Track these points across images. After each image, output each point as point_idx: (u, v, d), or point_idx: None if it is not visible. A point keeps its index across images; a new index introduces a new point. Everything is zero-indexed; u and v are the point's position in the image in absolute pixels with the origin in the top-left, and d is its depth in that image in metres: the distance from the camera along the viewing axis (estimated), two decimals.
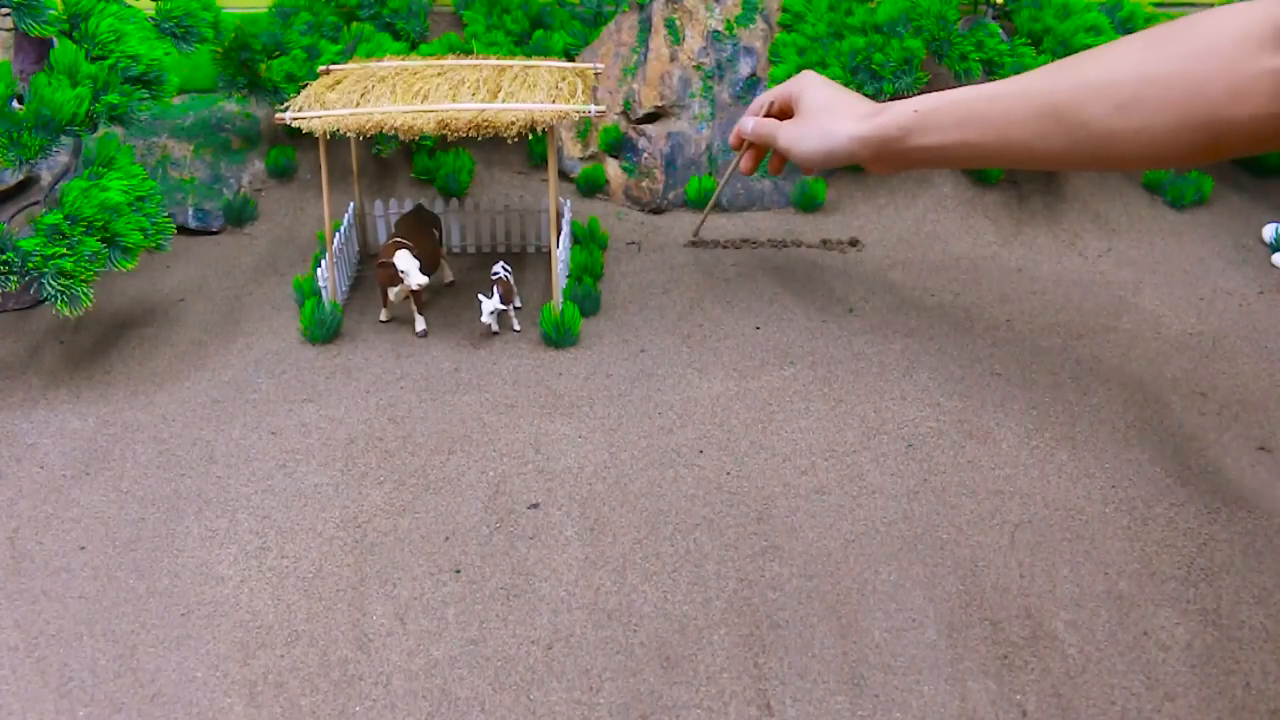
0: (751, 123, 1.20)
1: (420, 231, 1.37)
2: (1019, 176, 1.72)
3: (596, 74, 1.42)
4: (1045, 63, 1.60)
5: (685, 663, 0.83)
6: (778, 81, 1.63)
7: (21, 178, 1.62)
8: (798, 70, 1.61)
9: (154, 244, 1.23)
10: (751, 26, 1.71)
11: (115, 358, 1.29)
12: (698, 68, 1.69)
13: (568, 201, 1.58)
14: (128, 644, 0.86)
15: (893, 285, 1.48)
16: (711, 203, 1.36)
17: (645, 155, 1.70)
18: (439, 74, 1.32)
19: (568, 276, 1.42)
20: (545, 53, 1.76)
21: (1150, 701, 0.80)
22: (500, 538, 0.97)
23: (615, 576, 0.92)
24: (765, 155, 1.26)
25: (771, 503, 1.01)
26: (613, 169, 1.73)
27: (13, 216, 1.40)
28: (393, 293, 1.32)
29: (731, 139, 1.26)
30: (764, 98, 1.21)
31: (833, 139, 1.06)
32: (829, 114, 1.07)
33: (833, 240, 1.62)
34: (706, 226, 1.62)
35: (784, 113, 1.18)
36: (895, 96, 1.62)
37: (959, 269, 1.53)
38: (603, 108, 1.33)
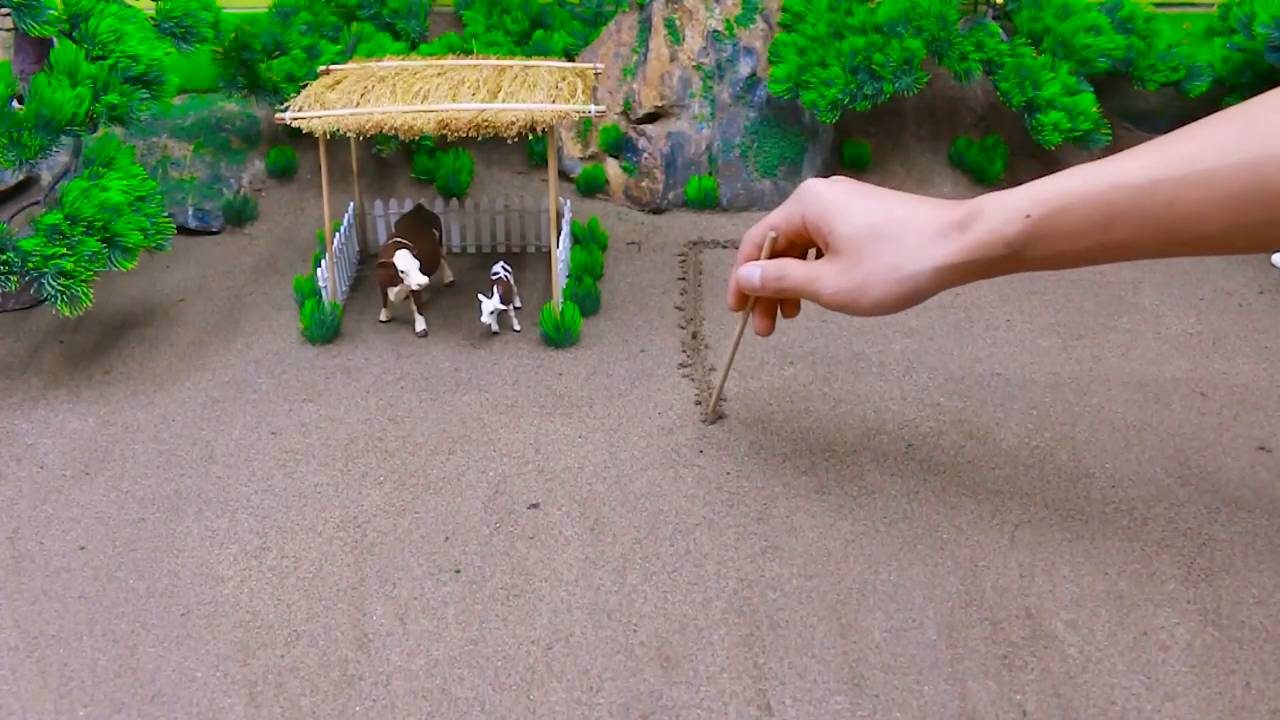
0: (758, 272, 0.90)
1: (420, 231, 1.37)
2: (1019, 176, 1.72)
3: (596, 74, 1.42)
4: (1045, 63, 1.61)
5: (685, 663, 0.83)
6: (778, 81, 1.62)
7: (21, 178, 1.62)
8: (797, 71, 1.61)
9: (154, 244, 1.23)
10: (751, 26, 1.71)
11: (115, 358, 1.29)
12: (698, 68, 1.69)
13: (568, 201, 1.58)
14: (128, 644, 0.86)
15: None
16: (725, 373, 1.09)
17: (645, 155, 1.70)
18: (439, 74, 1.32)
19: (568, 276, 1.42)
20: (545, 53, 1.77)
21: (1150, 701, 0.80)
22: (500, 538, 0.97)
23: (615, 576, 0.92)
24: (777, 303, 0.98)
25: (771, 503, 1.01)
26: (613, 169, 1.73)
27: (13, 216, 1.40)
28: (393, 293, 1.32)
29: (731, 299, 0.96)
30: (758, 232, 0.92)
31: (912, 278, 0.79)
32: (889, 243, 0.80)
33: None
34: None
35: (796, 244, 0.91)
36: (895, 96, 1.62)
37: None
38: (603, 108, 1.34)
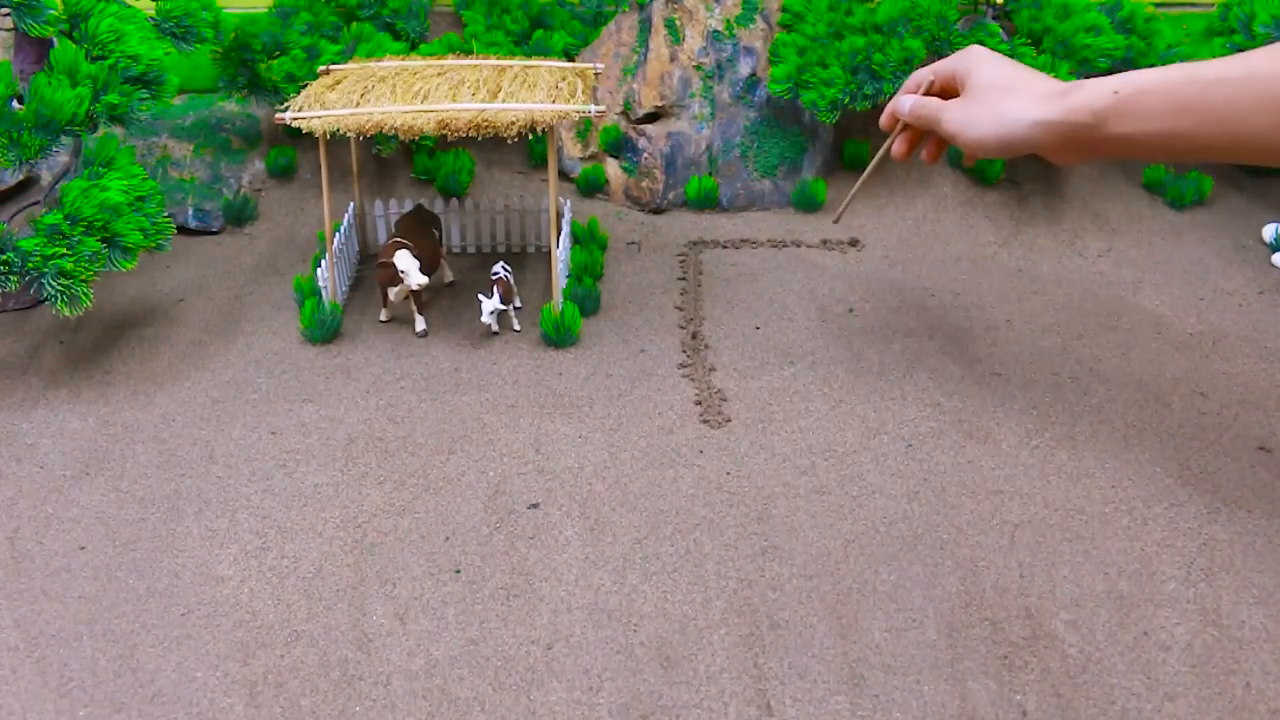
0: (909, 101, 1.04)
1: (420, 231, 1.37)
2: (1019, 176, 1.72)
3: (596, 74, 1.42)
4: (1045, 63, 1.61)
5: (685, 663, 0.83)
6: (778, 81, 1.62)
7: (21, 178, 1.62)
8: (797, 71, 1.61)
9: (154, 244, 1.23)
10: (751, 26, 1.71)
11: (115, 358, 1.29)
12: (698, 68, 1.69)
13: (568, 201, 1.58)
14: (128, 644, 0.86)
15: (893, 285, 1.48)
16: (860, 183, 1.15)
17: (645, 155, 1.70)
18: (439, 74, 1.32)
19: (568, 276, 1.42)
20: (545, 53, 1.76)
21: (1150, 701, 0.80)
22: (500, 538, 0.97)
23: (615, 576, 0.92)
24: (920, 139, 1.10)
25: (771, 503, 1.01)
26: (613, 169, 1.73)
27: (13, 216, 1.40)
28: (393, 293, 1.32)
29: (883, 119, 1.09)
30: (922, 73, 1.06)
31: (1011, 123, 0.91)
32: (1006, 93, 0.93)
33: (833, 240, 1.62)
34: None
35: (946, 91, 1.04)
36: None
37: (959, 269, 1.53)
38: (603, 108, 1.33)
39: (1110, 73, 1.71)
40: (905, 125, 1.08)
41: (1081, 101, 0.86)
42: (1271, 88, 0.75)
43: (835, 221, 1.21)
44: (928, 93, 1.05)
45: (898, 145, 1.09)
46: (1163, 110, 0.82)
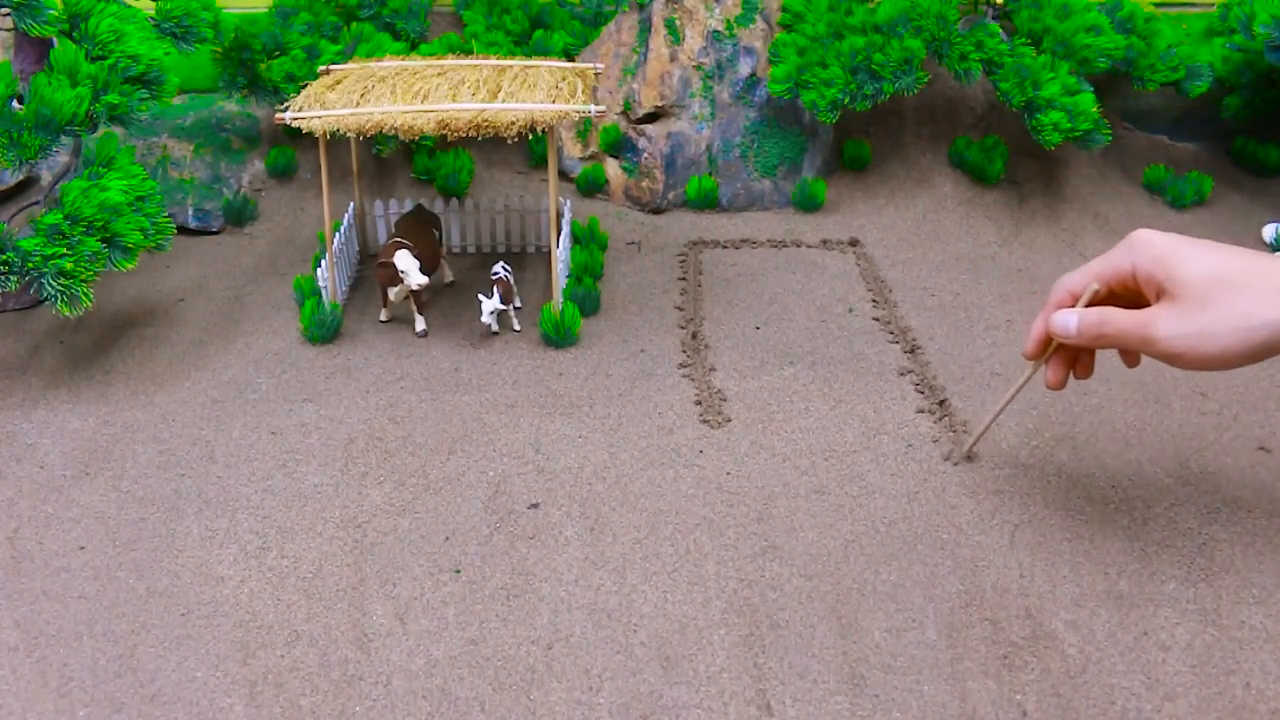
0: (1076, 319, 0.83)
1: (420, 231, 1.37)
2: (1019, 176, 1.72)
3: (596, 74, 1.42)
4: (1045, 63, 1.61)
5: (685, 663, 0.83)
6: (778, 81, 1.62)
7: (21, 178, 1.61)
8: (797, 71, 1.61)
9: (154, 244, 1.23)
10: (751, 26, 1.71)
11: (115, 358, 1.29)
12: (698, 68, 1.69)
13: (568, 201, 1.58)
14: (128, 644, 0.86)
15: (893, 285, 1.48)
16: (999, 411, 1.00)
17: (645, 155, 1.70)
18: (439, 74, 1.32)
19: (568, 276, 1.42)
20: (545, 53, 1.76)
21: (1150, 701, 0.80)
22: (500, 538, 0.97)
23: (615, 576, 0.92)
24: (1075, 357, 0.92)
25: (771, 503, 1.01)
26: (613, 169, 1.73)
27: (13, 216, 1.40)
28: (393, 293, 1.32)
29: (1030, 346, 0.90)
30: (1077, 279, 0.85)
31: (1265, 328, 0.74)
32: (1242, 291, 0.75)
33: (833, 240, 1.62)
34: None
35: (1115, 296, 0.85)
36: (895, 96, 1.62)
37: (959, 269, 1.53)
38: (603, 108, 1.33)
39: (1110, 74, 1.72)
40: (1059, 346, 0.89)
41: None
42: None
43: (966, 458, 1.04)
44: (1095, 302, 0.85)
45: (1053, 372, 0.90)
46: None
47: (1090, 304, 0.85)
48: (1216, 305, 0.75)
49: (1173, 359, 0.78)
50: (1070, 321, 0.84)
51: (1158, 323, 0.78)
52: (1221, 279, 0.76)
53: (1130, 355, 0.89)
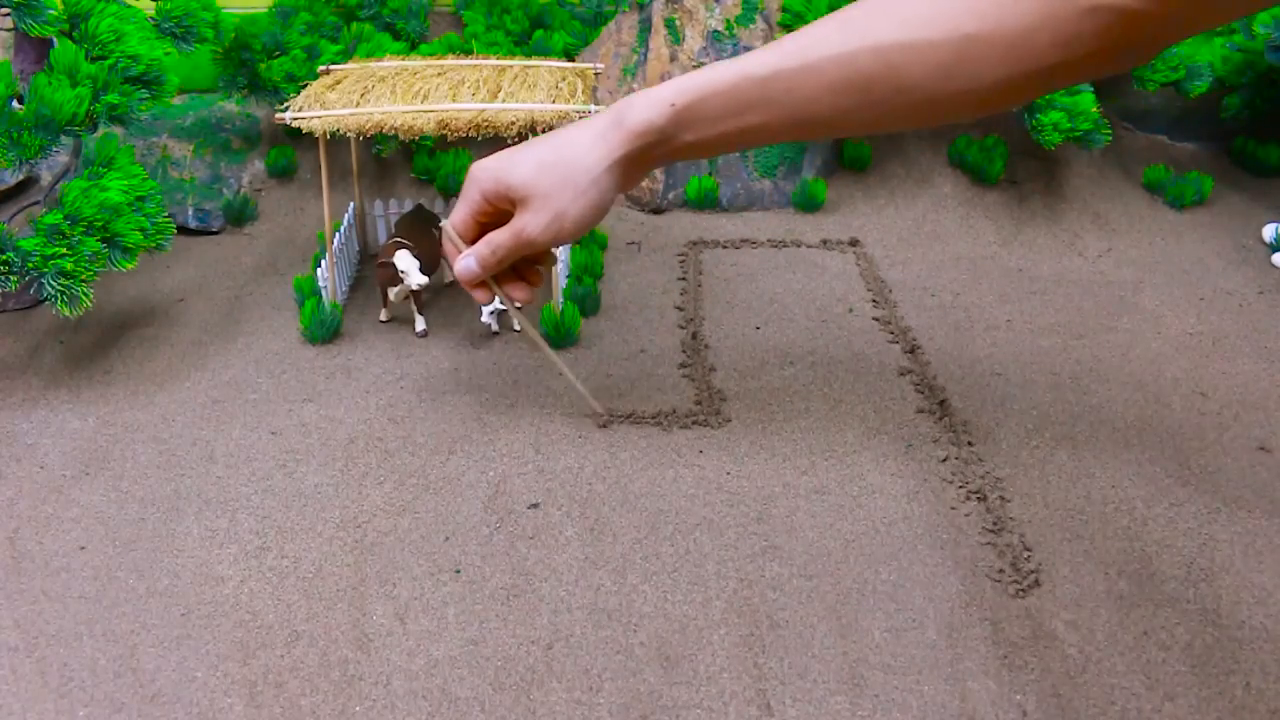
0: (473, 259, 0.93)
1: (420, 231, 1.37)
2: (1019, 176, 1.72)
3: (596, 74, 1.42)
4: None
5: (685, 663, 0.83)
6: None
7: (21, 178, 1.62)
8: None
9: (154, 244, 1.23)
10: (751, 26, 1.71)
11: (115, 358, 1.29)
12: (698, 67, 1.69)
13: None
14: (128, 644, 0.86)
15: (893, 285, 1.48)
16: (555, 365, 1.07)
17: None
18: (439, 74, 1.32)
19: (568, 276, 1.42)
20: (545, 53, 1.77)
21: (1150, 701, 0.79)
22: (500, 538, 0.97)
23: (615, 576, 0.92)
24: (520, 275, 1.00)
25: (771, 503, 1.01)
26: None
27: (13, 216, 1.40)
28: (393, 293, 1.32)
29: (477, 296, 0.98)
30: (456, 223, 0.94)
31: (592, 185, 0.84)
32: (561, 166, 0.85)
33: (833, 240, 1.62)
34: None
35: (488, 226, 0.93)
36: None
37: (959, 269, 1.53)
38: (603, 108, 1.33)
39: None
40: (498, 278, 0.97)
41: (642, 123, 0.82)
42: (826, 76, 0.75)
43: (600, 423, 1.06)
44: (477, 238, 0.94)
45: (514, 294, 0.98)
46: (726, 111, 0.80)
47: (478, 236, 0.94)
48: (552, 188, 0.85)
49: (554, 243, 0.89)
50: (470, 263, 0.93)
51: (525, 227, 0.88)
52: (544, 165, 0.86)
53: (533, 274, 0.99)
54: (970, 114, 0.75)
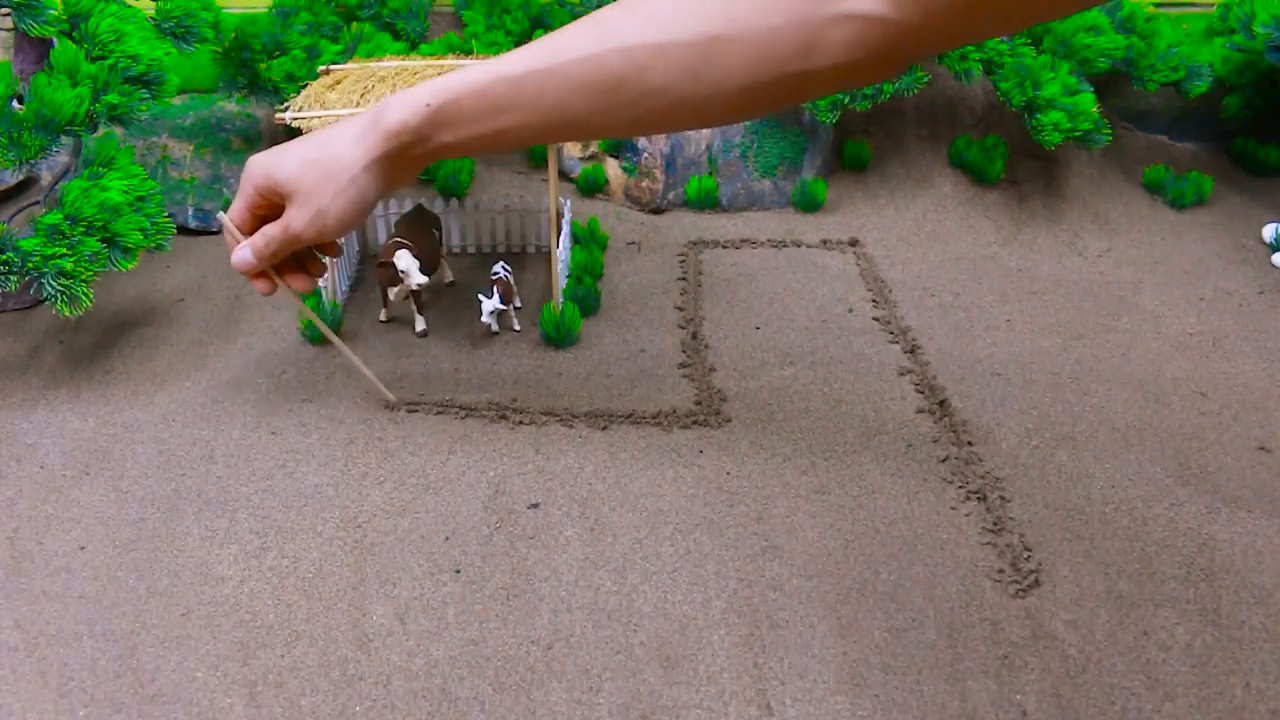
0: (248, 250, 0.94)
1: (420, 231, 1.37)
2: (1019, 176, 1.72)
3: None
4: (1045, 63, 1.61)
5: (685, 663, 0.83)
6: None
7: (21, 178, 1.62)
8: None
9: (154, 244, 1.23)
10: None
11: (115, 358, 1.29)
12: None
13: (568, 201, 1.58)
14: (128, 644, 0.86)
15: (893, 285, 1.48)
16: (352, 358, 1.06)
17: (645, 155, 1.70)
18: (439, 74, 1.32)
19: (568, 276, 1.42)
20: None
21: (1150, 701, 0.79)
22: (500, 538, 0.97)
23: (615, 576, 0.92)
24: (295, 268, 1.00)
25: (771, 503, 1.01)
26: (613, 169, 1.73)
27: (13, 216, 1.40)
28: (393, 293, 1.32)
29: (259, 287, 0.98)
30: (233, 215, 0.96)
31: (351, 184, 0.85)
32: (322, 164, 0.86)
33: (833, 240, 1.62)
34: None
35: (269, 218, 0.95)
36: (895, 96, 1.62)
37: (959, 269, 1.53)
38: None
39: (1110, 74, 1.72)
40: (279, 269, 0.97)
41: (398, 124, 0.82)
42: (574, 78, 0.74)
43: (394, 409, 1.03)
44: (252, 231, 0.95)
45: (294, 283, 0.98)
46: (482, 113, 0.80)
47: (256, 228, 0.95)
48: (314, 185, 0.86)
49: (320, 238, 0.89)
50: (246, 254, 0.94)
51: (292, 222, 0.89)
52: (307, 162, 0.86)
53: (314, 264, 1.00)
54: (722, 119, 0.74)
